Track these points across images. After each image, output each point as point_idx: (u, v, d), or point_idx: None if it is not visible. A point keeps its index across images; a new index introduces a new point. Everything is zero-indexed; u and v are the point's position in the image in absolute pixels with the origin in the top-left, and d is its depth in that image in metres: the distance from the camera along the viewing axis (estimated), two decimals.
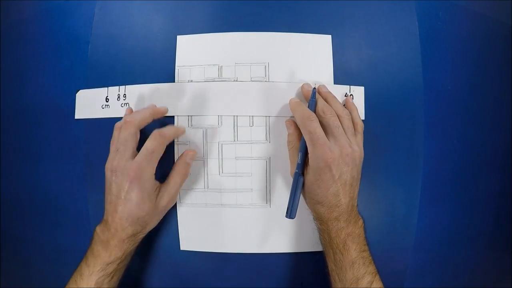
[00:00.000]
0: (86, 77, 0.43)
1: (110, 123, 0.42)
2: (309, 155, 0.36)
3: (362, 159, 0.38)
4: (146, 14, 0.43)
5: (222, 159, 0.41)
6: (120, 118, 0.39)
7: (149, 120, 0.38)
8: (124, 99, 0.42)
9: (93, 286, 0.35)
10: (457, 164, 0.43)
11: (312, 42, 0.41)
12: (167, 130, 0.37)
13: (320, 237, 0.39)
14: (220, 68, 0.41)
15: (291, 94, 0.40)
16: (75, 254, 0.43)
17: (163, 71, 0.41)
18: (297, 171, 0.37)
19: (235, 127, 0.41)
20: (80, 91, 0.43)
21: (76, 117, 0.43)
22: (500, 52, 0.45)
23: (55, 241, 0.45)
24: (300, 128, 0.37)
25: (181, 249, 0.42)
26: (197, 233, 0.41)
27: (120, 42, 0.43)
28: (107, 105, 0.42)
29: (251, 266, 0.41)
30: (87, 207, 0.43)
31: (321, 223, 0.37)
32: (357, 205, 0.38)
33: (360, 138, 0.39)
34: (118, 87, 0.42)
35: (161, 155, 0.37)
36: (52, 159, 0.44)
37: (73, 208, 0.43)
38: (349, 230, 0.36)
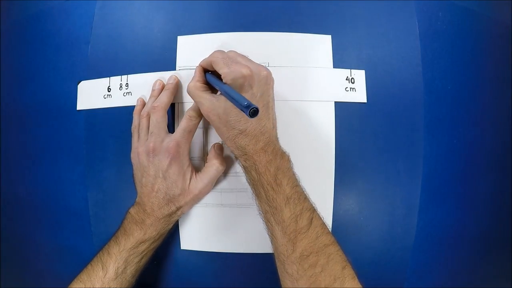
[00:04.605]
0: (86, 77, 0.43)
1: (111, 117, 0.42)
2: (225, 80, 0.33)
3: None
4: (146, 14, 0.43)
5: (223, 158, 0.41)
6: (122, 108, 0.42)
7: (171, 100, 0.39)
8: (126, 88, 0.42)
9: (121, 264, 0.35)
10: (457, 164, 0.43)
11: (312, 42, 0.41)
12: (196, 109, 0.38)
13: (246, 177, 0.36)
14: None
15: (292, 78, 0.40)
16: (75, 254, 0.43)
17: (163, 71, 0.41)
18: (218, 82, 0.34)
19: None
20: (82, 82, 0.43)
21: (78, 108, 0.43)
22: (500, 52, 0.45)
23: (55, 241, 0.45)
24: (213, 65, 0.35)
25: (181, 248, 0.42)
26: (198, 232, 0.41)
27: (120, 42, 0.43)
28: (109, 95, 0.42)
29: (251, 266, 0.41)
30: (87, 207, 0.43)
31: (246, 158, 0.34)
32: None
33: None
34: (120, 76, 0.42)
35: (195, 133, 0.39)
36: (52, 159, 0.44)
37: (73, 208, 0.43)
38: (277, 163, 0.34)
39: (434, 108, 0.42)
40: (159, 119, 0.38)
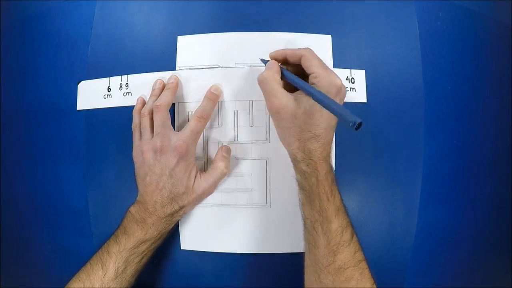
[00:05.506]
0: (86, 77, 0.43)
1: (111, 117, 0.42)
2: (316, 80, 0.33)
3: None
4: (146, 14, 0.43)
5: None
6: (122, 108, 0.42)
7: (172, 100, 0.39)
8: (126, 88, 0.42)
9: (121, 264, 0.35)
10: (457, 164, 0.43)
11: (312, 42, 0.41)
12: (206, 109, 0.38)
13: (302, 183, 0.35)
14: (220, 69, 0.41)
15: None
16: (75, 254, 0.43)
17: (163, 71, 0.41)
18: (311, 87, 0.32)
19: (235, 127, 0.41)
20: (82, 82, 0.43)
21: (78, 108, 0.43)
22: (500, 52, 0.45)
23: (55, 241, 0.45)
24: (304, 59, 0.34)
25: (181, 248, 0.42)
26: (198, 232, 0.41)
27: (120, 42, 0.43)
28: (109, 95, 0.42)
29: (251, 266, 0.41)
30: (87, 207, 0.43)
31: (309, 163, 0.34)
32: None
33: None
34: (120, 76, 0.42)
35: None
36: (52, 159, 0.44)
37: (73, 208, 0.43)
38: (332, 175, 0.34)
39: (434, 108, 0.42)
40: (163, 118, 0.38)
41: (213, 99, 0.39)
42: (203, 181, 0.39)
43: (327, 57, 0.41)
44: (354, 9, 0.42)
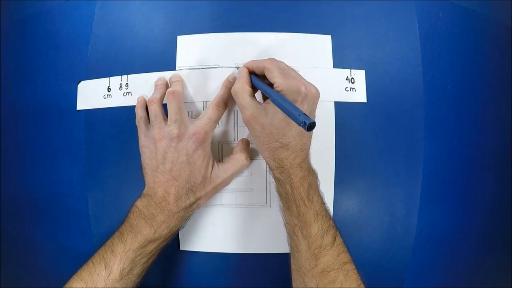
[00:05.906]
0: (86, 77, 0.43)
1: (111, 117, 0.42)
2: (279, 89, 0.33)
3: None
4: (146, 14, 0.43)
5: (222, 158, 0.41)
6: (122, 108, 0.41)
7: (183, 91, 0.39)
8: (126, 88, 0.42)
9: (127, 265, 0.33)
10: (457, 164, 0.43)
11: (312, 42, 0.41)
12: (223, 98, 0.38)
13: (278, 189, 0.36)
14: (220, 69, 0.41)
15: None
16: (75, 254, 0.43)
17: (163, 71, 0.41)
18: (272, 91, 0.33)
19: (235, 126, 0.41)
20: (82, 82, 0.43)
21: (78, 108, 0.43)
22: (500, 52, 0.45)
23: (55, 241, 0.45)
24: (266, 71, 0.35)
25: (180, 249, 0.42)
26: (197, 233, 0.41)
27: (120, 42, 0.43)
28: (109, 95, 0.42)
29: (251, 266, 0.41)
30: (87, 207, 0.43)
31: (282, 171, 0.34)
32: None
33: None
34: (120, 76, 0.42)
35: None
36: (52, 159, 0.44)
37: (73, 208, 0.43)
38: (310, 180, 0.34)
39: (434, 108, 0.42)
40: (180, 104, 0.37)
41: (230, 88, 0.38)
42: (222, 171, 0.38)
43: (327, 57, 0.41)
44: (354, 9, 0.42)
